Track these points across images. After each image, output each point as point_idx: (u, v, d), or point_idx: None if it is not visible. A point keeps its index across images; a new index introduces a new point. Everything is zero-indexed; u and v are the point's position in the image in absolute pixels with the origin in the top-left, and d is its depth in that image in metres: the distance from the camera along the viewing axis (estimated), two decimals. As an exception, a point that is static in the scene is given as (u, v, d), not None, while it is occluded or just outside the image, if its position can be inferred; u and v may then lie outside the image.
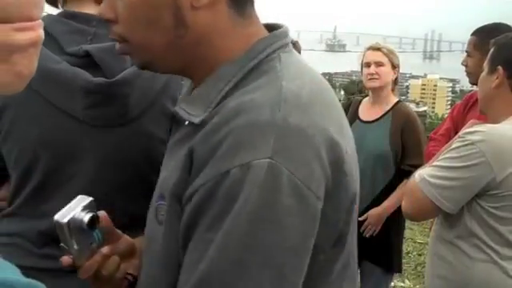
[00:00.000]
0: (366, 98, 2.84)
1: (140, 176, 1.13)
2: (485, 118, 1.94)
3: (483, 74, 1.71)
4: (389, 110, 2.71)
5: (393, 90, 2.77)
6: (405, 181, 2.59)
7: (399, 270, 2.94)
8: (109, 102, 1.07)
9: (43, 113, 1.08)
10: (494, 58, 1.66)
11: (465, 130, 1.65)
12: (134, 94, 1.08)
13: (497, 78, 1.63)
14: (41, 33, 0.45)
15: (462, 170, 1.54)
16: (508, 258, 1.57)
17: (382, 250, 2.70)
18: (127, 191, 1.13)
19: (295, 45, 1.07)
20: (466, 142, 1.53)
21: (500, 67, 1.62)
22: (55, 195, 1.12)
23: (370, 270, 2.75)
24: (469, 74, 2.57)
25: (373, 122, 2.73)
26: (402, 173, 2.63)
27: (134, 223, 1.05)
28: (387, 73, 2.71)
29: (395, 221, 2.69)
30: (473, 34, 2.58)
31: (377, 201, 2.66)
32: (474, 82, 2.52)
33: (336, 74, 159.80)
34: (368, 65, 2.72)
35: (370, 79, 2.71)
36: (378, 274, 2.75)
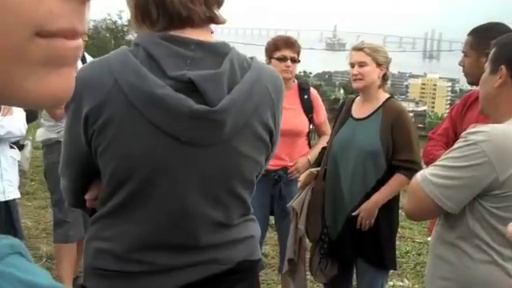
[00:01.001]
0: (359, 97, 2.86)
1: (229, 188, 1.27)
2: (483, 119, 1.93)
3: (485, 74, 1.70)
4: (379, 107, 2.72)
5: (379, 87, 2.76)
6: (396, 175, 2.63)
7: (394, 268, 2.93)
8: (208, 126, 1.19)
9: (145, 133, 1.17)
10: (497, 58, 1.65)
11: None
12: (229, 119, 1.20)
13: (500, 77, 1.62)
14: (79, 53, 0.40)
15: (465, 170, 1.53)
16: (510, 258, 1.55)
17: (375, 248, 2.70)
18: (216, 201, 1.26)
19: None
20: (469, 142, 1.52)
21: (503, 66, 1.61)
22: (149, 203, 1.23)
23: (364, 268, 2.75)
24: (466, 73, 2.55)
25: (364, 119, 2.74)
26: (394, 168, 2.64)
27: (215, 229, 1.27)
28: (370, 72, 2.71)
29: (386, 217, 2.70)
30: (469, 34, 2.56)
31: (369, 197, 2.67)
32: (471, 82, 2.50)
33: (336, 72, 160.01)
34: (352, 65, 2.75)
35: (355, 80, 2.74)
36: (372, 273, 2.75)
